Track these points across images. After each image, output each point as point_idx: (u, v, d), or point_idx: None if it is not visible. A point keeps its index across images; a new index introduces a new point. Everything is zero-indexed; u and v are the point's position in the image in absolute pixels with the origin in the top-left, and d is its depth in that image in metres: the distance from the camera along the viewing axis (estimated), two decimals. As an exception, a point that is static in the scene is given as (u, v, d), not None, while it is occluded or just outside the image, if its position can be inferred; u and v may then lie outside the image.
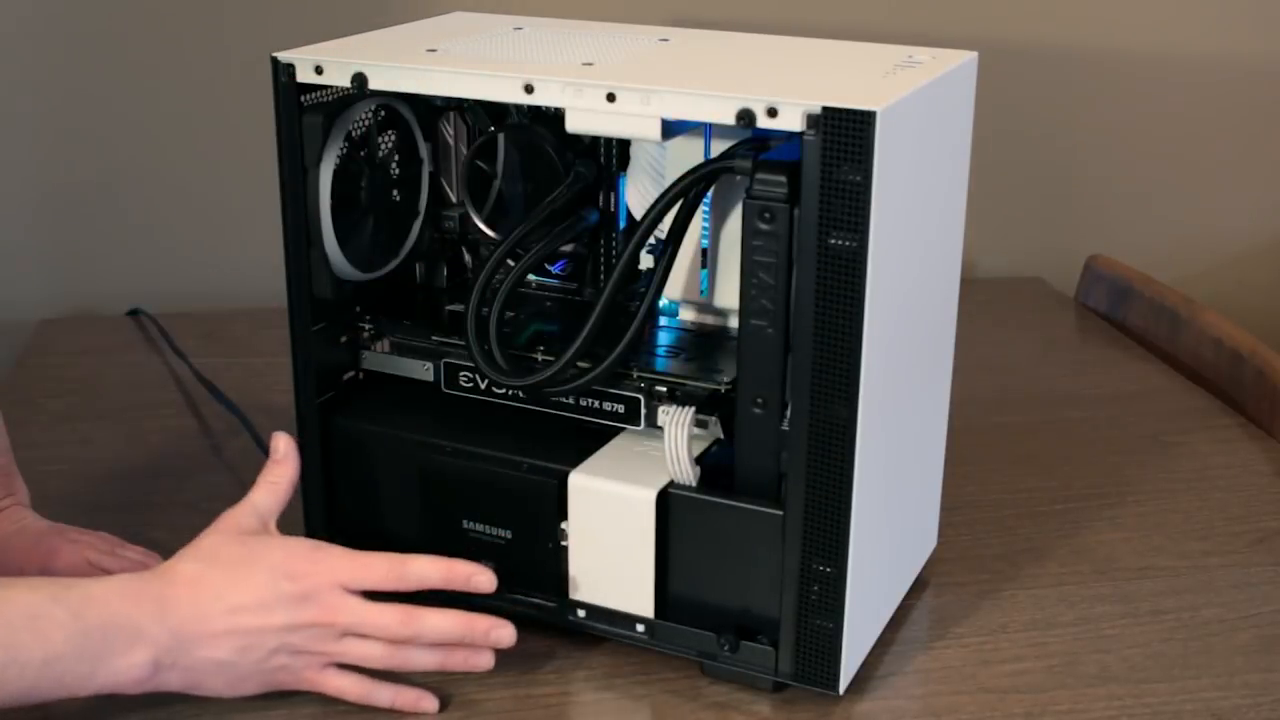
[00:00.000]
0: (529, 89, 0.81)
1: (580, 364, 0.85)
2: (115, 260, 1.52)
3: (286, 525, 0.87)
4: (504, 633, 0.83)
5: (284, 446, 0.87)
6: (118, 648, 0.75)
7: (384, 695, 0.83)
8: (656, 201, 0.83)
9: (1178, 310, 1.41)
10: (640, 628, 0.87)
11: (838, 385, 0.78)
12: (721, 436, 0.86)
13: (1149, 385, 1.34)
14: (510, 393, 0.90)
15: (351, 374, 0.96)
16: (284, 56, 0.86)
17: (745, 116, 0.76)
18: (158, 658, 0.77)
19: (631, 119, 0.79)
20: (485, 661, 0.84)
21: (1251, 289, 1.72)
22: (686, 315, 0.94)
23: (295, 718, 0.84)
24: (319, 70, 0.85)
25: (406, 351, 0.95)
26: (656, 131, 0.79)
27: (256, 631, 0.79)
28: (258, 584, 0.79)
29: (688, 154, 0.87)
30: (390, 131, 0.96)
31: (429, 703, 0.83)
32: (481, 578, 0.83)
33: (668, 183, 0.83)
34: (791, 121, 0.74)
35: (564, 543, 0.87)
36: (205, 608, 0.78)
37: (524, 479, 0.87)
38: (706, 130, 0.87)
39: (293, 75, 0.86)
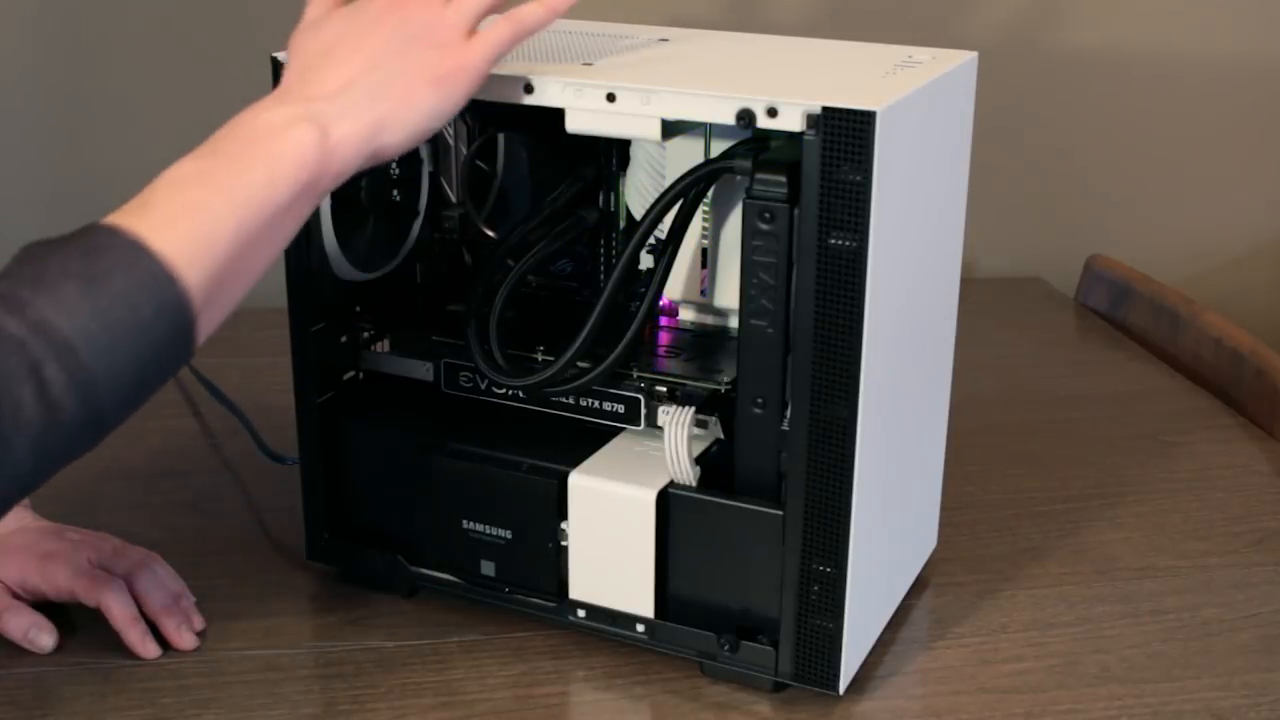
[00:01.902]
0: (529, 89, 0.81)
1: (580, 364, 0.86)
2: (115, 260, 1.52)
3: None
4: None
5: None
6: (273, 128, 0.73)
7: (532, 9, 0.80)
8: (656, 201, 0.83)
9: (1178, 310, 1.41)
10: (640, 628, 0.87)
11: (838, 385, 0.78)
12: (721, 436, 0.86)
13: (1149, 385, 1.34)
14: (510, 393, 0.90)
15: (351, 374, 0.96)
16: (284, 56, 0.86)
17: (745, 116, 0.76)
18: (313, 123, 0.74)
19: (631, 119, 0.79)
20: None
21: (1251, 289, 1.72)
22: (686, 315, 0.94)
23: (295, 718, 0.84)
24: (319, 70, 0.85)
25: (406, 351, 0.95)
26: (656, 131, 0.79)
27: (373, 28, 0.77)
28: (360, 9, 0.78)
29: (688, 154, 0.87)
30: (390, 131, 0.95)
31: None
32: None
33: (668, 183, 0.84)
34: (791, 121, 0.74)
35: (564, 543, 0.87)
36: (324, 39, 0.78)
37: (524, 479, 0.87)
38: (706, 130, 0.87)
39: (293, 75, 0.86)
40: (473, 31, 0.78)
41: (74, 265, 0.67)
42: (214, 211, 0.70)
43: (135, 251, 0.68)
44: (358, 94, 0.75)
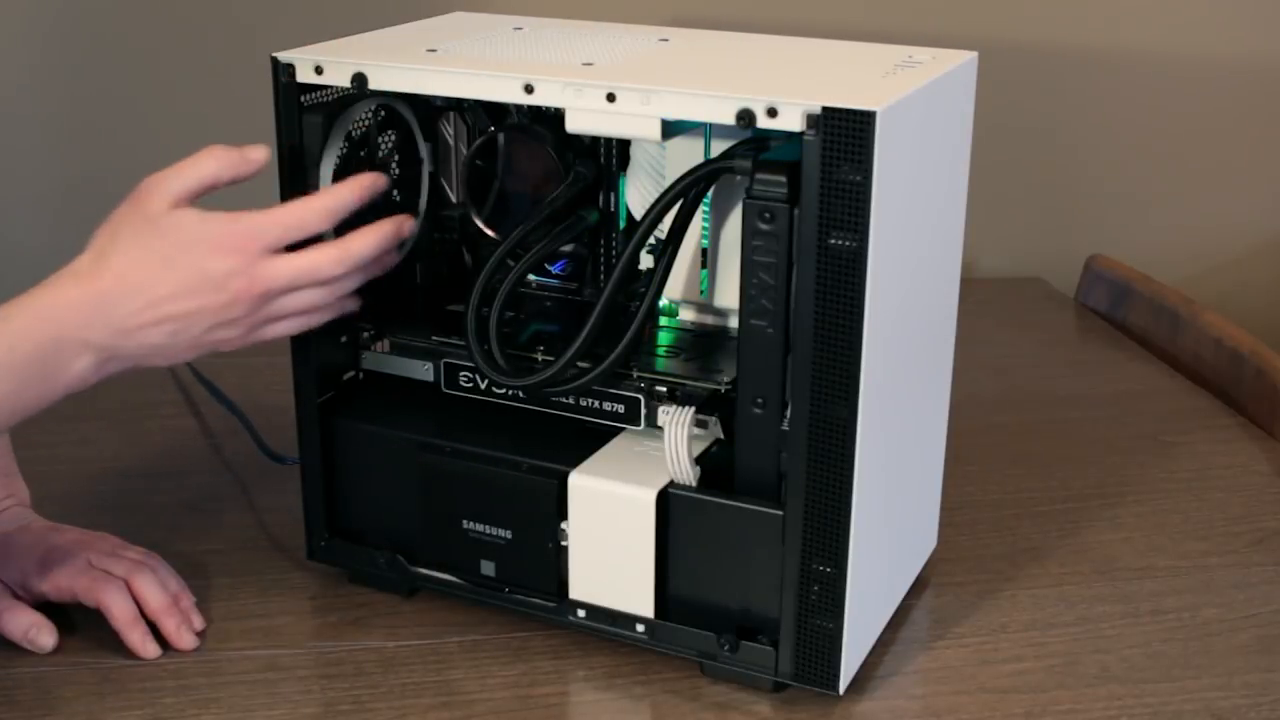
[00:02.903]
0: (529, 89, 0.81)
1: (580, 364, 0.85)
2: (115, 260, 1.52)
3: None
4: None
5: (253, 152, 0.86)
6: (66, 358, 0.79)
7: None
8: (656, 201, 0.83)
9: (1178, 310, 1.41)
10: (640, 628, 0.87)
11: (838, 385, 0.78)
12: (721, 436, 0.86)
13: (1149, 385, 1.34)
14: (510, 393, 0.90)
15: (351, 374, 0.96)
16: (284, 56, 0.86)
17: (745, 116, 0.76)
18: (100, 358, 0.81)
19: (631, 119, 0.79)
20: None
21: (1251, 289, 1.72)
22: (686, 315, 0.94)
23: (295, 718, 0.84)
24: (319, 70, 0.86)
25: (406, 351, 0.95)
26: (656, 131, 0.79)
27: (186, 316, 0.81)
28: (183, 271, 0.80)
29: (688, 154, 0.87)
30: (390, 131, 0.96)
31: None
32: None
33: (668, 183, 0.83)
34: (791, 121, 0.74)
35: (564, 543, 0.87)
36: (137, 302, 0.80)
37: (524, 479, 0.87)
38: (706, 130, 0.87)
39: (293, 75, 0.86)
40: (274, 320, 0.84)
41: None
42: None
43: None
44: (147, 343, 0.81)
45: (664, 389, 0.87)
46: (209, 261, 0.80)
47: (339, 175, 0.89)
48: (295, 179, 0.88)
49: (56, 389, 0.80)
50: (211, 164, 0.83)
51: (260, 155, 0.84)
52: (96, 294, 0.80)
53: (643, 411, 0.87)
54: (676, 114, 0.78)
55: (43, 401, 0.80)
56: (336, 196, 0.83)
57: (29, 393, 0.79)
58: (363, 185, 0.84)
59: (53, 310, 0.80)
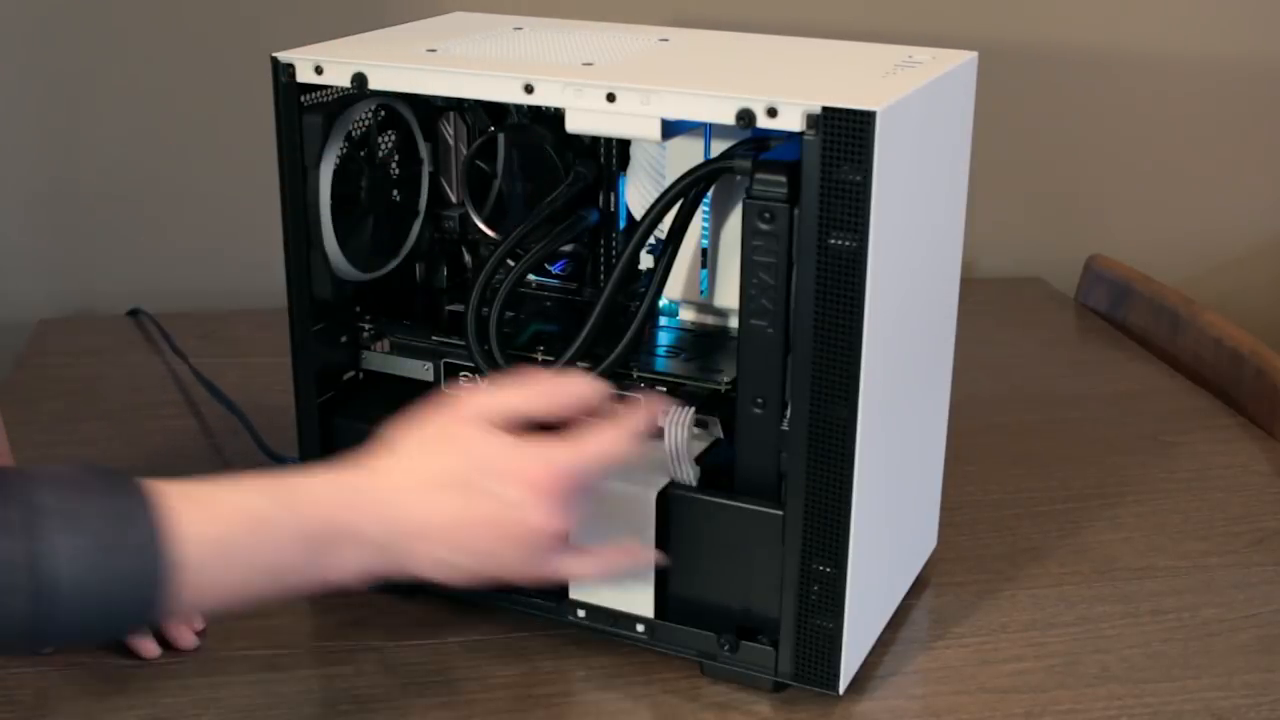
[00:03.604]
0: (529, 89, 0.81)
1: (580, 364, 0.85)
2: (115, 260, 1.52)
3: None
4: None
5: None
6: (338, 548, 0.73)
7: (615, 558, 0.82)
8: (656, 201, 0.83)
9: (1178, 310, 1.41)
10: (640, 628, 0.87)
11: (838, 385, 0.78)
12: (721, 436, 0.86)
13: (1149, 385, 1.34)
14: (510, 393, 0.90)
15: (351, 374, 0.96)
16: (284, 56, 0.86)
17: (745, 116, 0.76)
18: (374, 556, 0.75)
19: (631, 119, 0.79)
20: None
21: (1251, 289, 1.72)
22: (686, 315, 0.94)
23: (295, 718, 0.84)
24: (319, 70, 0.85)
25: (406, 351, 0.95)
26: (656, 131, 0.79)
27: (473, 541, 0.76)
28: (480, 498, 0.75)
29: (688, 154, 0.87)
30: (390, 131, 0.96)
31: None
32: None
33: (668, 183, 0.84)
34: (791, 121, 0.74)
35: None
36: (414, 518, 0.75)
37: (524, 479, 0.87)
38: (706, 130, 0.87)
39: (293, 75, 0.86)
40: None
41: (91, 524, 0.66)
42: (245, 570, 0.71)
43: (154, 551, 0.67)
44: (425, 560, 0.75)
45: (664, 389, 0.87)
46: (502, 487, 0.75)
47: (339, 175, 0.89)
48: (295, 179, 0.88)
49: (315, 579, 0.73)
50: (531, 395, 0.79)
51: (582, 389, 0.80)
52: (375, 492, 0.75)
53: (643, 411, 0.87)
54: (676, 114, 0.78)
55: (301, 586, 0.74)
56: (632, 426, 0.79)
57: (291, 573, 0.73)
58: (650, 410, 0.81)
59: (327, 498, 0.75)
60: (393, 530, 0.75)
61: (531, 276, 1.00)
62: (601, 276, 0.97)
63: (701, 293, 0.91)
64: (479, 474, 0.75)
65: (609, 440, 0.78)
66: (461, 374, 0.92)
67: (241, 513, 0.71)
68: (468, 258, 1.01)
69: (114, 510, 0.66)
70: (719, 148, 0.86)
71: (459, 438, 0.77)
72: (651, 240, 0.87)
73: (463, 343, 0.89)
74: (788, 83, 0.80)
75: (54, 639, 0.69)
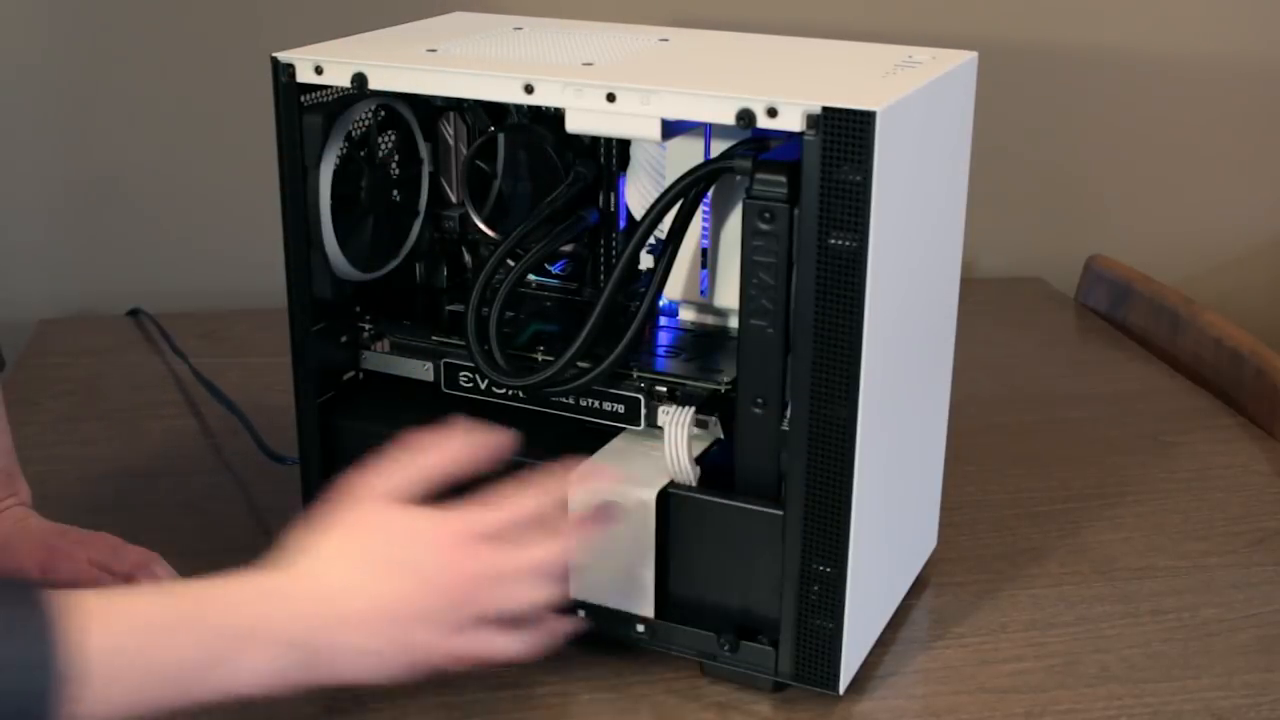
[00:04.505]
0: (529, 89, 0.81)
1: (580, 364, 0.85)
2: (115, 260, 1.52)
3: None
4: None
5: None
6: (245, 650, 0.70)
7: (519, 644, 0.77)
8: (656, 201, 0.83)
9: (1178, 310, 1.41)
10: (640, 628, 0.87)
11: (838, 385, 0.78)
12: (721, 436, 0.86)
13: (1149, 385, 1.34)
14: (510, 393, 0.90)
15: (351, 374, 0.96)
16: (284, 56, 0.86)
17: (745, 116, 0.76)
18: (287, 657, 0.71)
19: (631, 119, 0.79)
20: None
21: (1251, 289, 1.72)
22: (686, 315, 0.94)
23: (295, 718, 0.84)
24: (319, 70, 0.85)
25: (406, 351, 0.95)
26: (656, 131, 0.79)
27: (390, 613, 0.73)
28: (387, 568, 0.73)
29: (688, 154, 0.87)
30: (390, 131, 0.96)
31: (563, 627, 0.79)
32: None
33: (668, 183, 0.83)
34: (791, 121, 0.74)
35: (564, 543, 0.87)
36: (330, 609, 0.72)
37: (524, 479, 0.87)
38: (706, 130, 0.87)
39: (293, 75, 0.86)
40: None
41: None
42: (144, 678, 0.67)
43: (44, 664, 0.64)
44: (348, 661, 0.72)
45: (664, 389, 0.87)
46: (419, 555, 0.74)
47: (339, 175, 0.89)
48: (295, 179, 0.88)
49: (222, 686, 0.69)
50: (433, 461, 0.77)
51: (479, 441, 0.77)
52: (286, 594, 0.72)
53: (643, 411, 0.87)
54: (676, 114, 0.78)
55: (205, 697, 0.69)
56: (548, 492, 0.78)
57: (190, 686, 0.69)
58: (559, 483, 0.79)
59: (240, 593, 0.72)
60: (308, 626, 0.71)
61: (531, 276, 1.00)
62: (601, 276, 0.97)
63: (701, 293, 0.91)
64: (394, 549, 0.74)
65: (524, 495, 0.77)
66: (461, 374, 0.92)
67: (140, 619, 0.68)
68: (468, 258, 1.01)
69: (3, 623, 0.64)
70: (719, 148, 0.86)
71: (367, 521, 0.75)
72: (651, 240, 0.87)
73: (463, 343, 0.89)
74: (788, 83, 0.80)
75: None
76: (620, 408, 0.88)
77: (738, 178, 0.80)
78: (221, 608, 0.71)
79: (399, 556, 0.74)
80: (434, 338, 0.93)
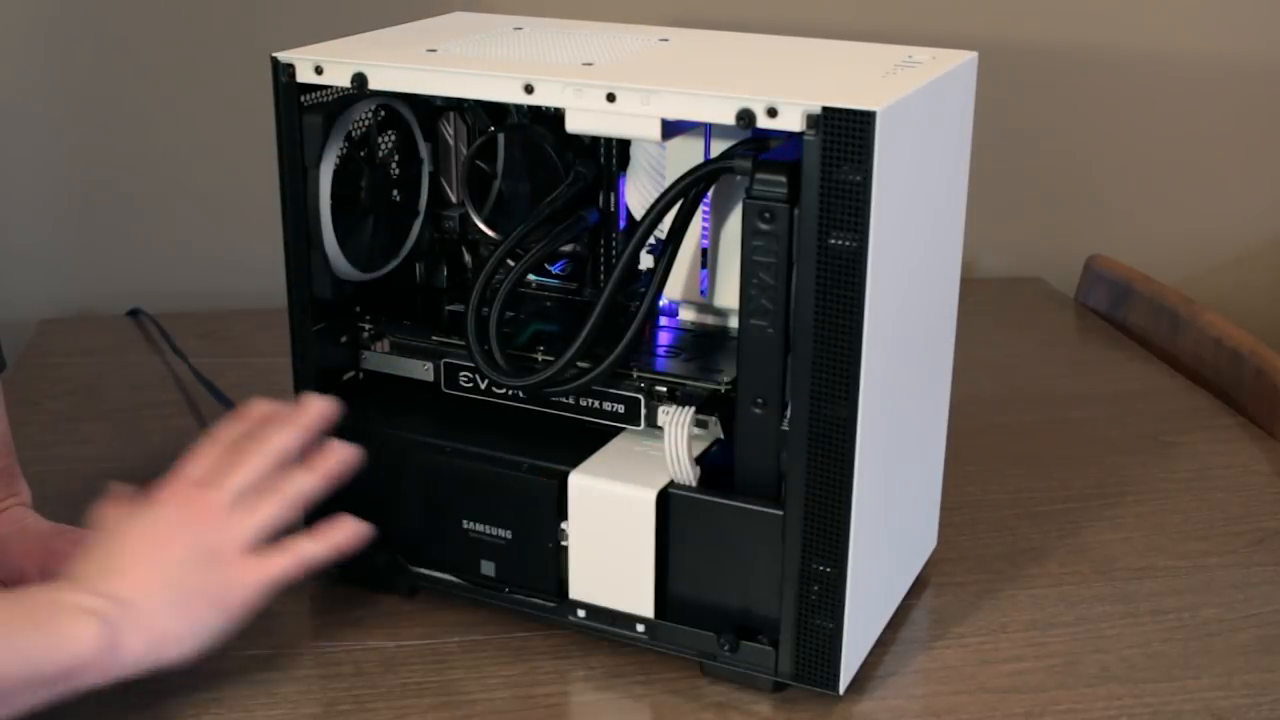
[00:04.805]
0: (529, 89, 0.81)
1: (580, 364, 0.86)
2: (115, 260, 1.52)
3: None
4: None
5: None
6: (59, 613, 0.76)
7: (311, 546, 0.85)
8: (656, 201, 0.83)
9: (1178, 310, 1.41)
10: (640, 628, 0.87)
11: (838, 385, 0.78)
12: (721, 436, 0.86)
13: (1149, 385, 1.34)
14: (510, 393, 0.90)
15: (351, 374, 0.96)
16: (284, 56, 0.87)
17: (745, 116, 0.76)
18: (103, 618, 0.77)
19: (631, 119, 0.79)
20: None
21: (1251, 289, 1.72)
22: (686, 315, 0.94)
23: (295, 718, 0.84)
24: (319, 70, 0.86)
25: (406, 351, 0.95)
26: (656, 131, 0.79)
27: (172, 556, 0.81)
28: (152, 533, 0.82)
29: (688, 154, 0.87)
30: (390, 131, 0.96)
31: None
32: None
33: (668, 183, 0.84)
34: (791, 121, 0.74)
35: (564, 543, 0.87)
36: (120, 580, 0.79)
37: (524, 479, 0.87)
38: (706, 130, 0.87)
39: (293, 75, 0.86)
40: (253, 548, 0.83)
41: None
42: None
43: None
44: (153, 606, 0.79)
45: (664, 389, 0.87)
46: (157, 514, 0.83)
47: (339, 175, 0.89)
48: (295, 179, 0.88)
49: (60, 648, 0.75)
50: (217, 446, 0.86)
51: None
52: (83, 572, 0.80)
53: (643, 411, 0.87)
54: (676, 114, 0.78)
55: (42, 663, 0.75)
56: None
57: (27, 644, 0.75)
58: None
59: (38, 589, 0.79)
60: (108, 588, 0.78)
61: (531, 276, 1.00)
62: (601, 276, 0.97)
63: (701, 293, 0.91)
64: (143, 522, 0.82)
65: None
66: (461, 374, 0.92)
67: None
68: (468, 258, 1.01)
69: None
70: (719, 148, 0.86)
71: (154, 512, 0.83)
72: (651, 240, 0.87)
73: (463, 343, 0.89)
74: (788, 83, 0.80)
75: None
76: (620, 408, 0.88)
77: (738, 178, 0.80)
78: (37, 597, 0.77)
79: (148, 523, 0.82)
80: (434, 338, 0.93)
